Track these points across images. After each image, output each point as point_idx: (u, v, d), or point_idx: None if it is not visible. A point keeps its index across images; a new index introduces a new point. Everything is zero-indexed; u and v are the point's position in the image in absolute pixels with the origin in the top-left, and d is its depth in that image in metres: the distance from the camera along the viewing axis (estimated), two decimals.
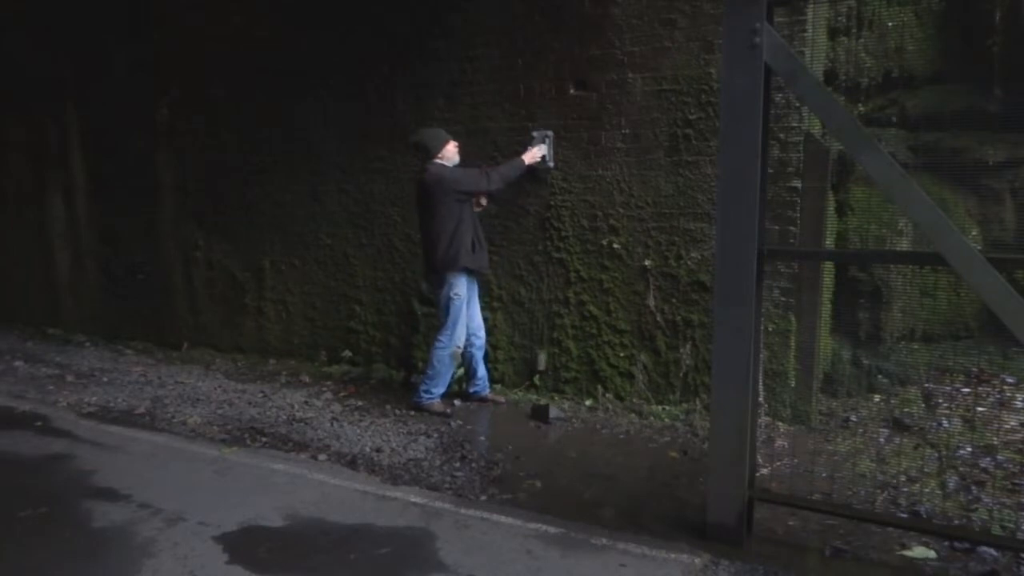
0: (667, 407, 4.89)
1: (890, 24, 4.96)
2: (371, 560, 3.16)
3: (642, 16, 4.72)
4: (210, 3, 6.54)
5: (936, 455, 3.96)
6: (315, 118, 6.14)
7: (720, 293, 3.04)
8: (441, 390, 5.09)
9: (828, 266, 4.73)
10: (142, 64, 7.03)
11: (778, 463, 4.03)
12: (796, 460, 4.02)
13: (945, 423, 4.31)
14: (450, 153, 4.98)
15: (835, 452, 4.08)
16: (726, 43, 2.94)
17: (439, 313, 5.09)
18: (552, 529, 3.37)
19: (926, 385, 4.78)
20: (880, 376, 4.90)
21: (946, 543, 3.13)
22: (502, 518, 3.49)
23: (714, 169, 4.53)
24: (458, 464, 4.18)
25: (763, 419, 4.45)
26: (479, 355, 5.21)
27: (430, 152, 4.94)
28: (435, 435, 4.63)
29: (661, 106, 4.74)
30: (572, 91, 5.04)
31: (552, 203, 5.17)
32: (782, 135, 4.38)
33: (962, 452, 3.96)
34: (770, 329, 4.53)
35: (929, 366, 4.95)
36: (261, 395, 5.60)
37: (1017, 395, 4.56)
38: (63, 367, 6.66)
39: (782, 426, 4.52)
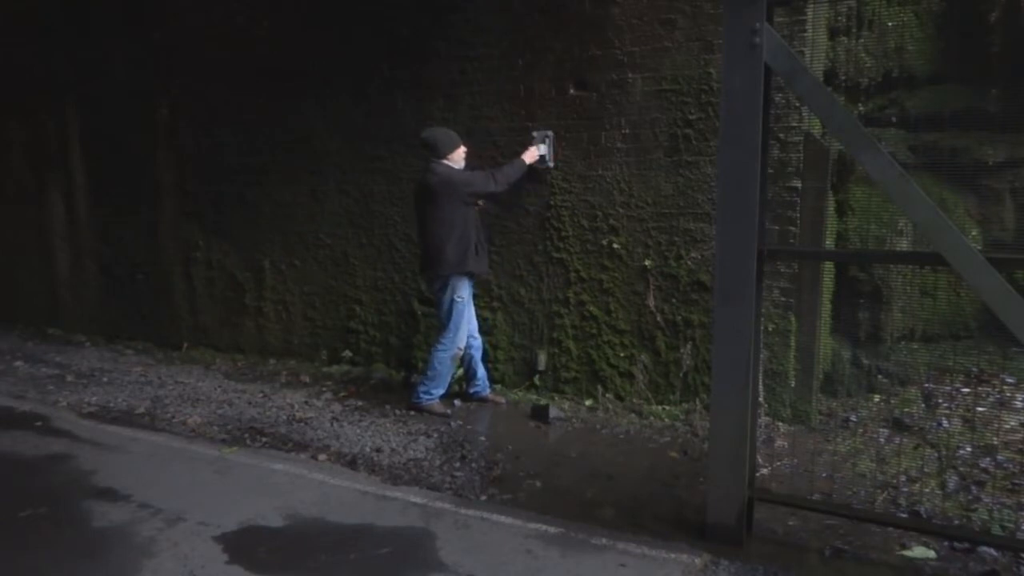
0: (667, 407, 4.89)
1: (890, 24, 4.96)
2: (371, 560, 3.16)
3: (642, 16, 4.73)
4: (211, 3, 6.55)
5: (936, 455, 3.96)
6: (315, 118, 6.14)
7: (720, 293, 3.04)
8: (441, 391, 5.08)
9: (828, 266, 4.73)
10: (142, 64, 7.03)
11: (778, 463, 4.03)
12: (796, 460, 4.02)
13: (945, 423, 4.31)
14: (458, 157, 4.95)
15: (835, 452, 4.08)
16: (726, 43, 2.93)
17: (440, 315, 5.07)
18: (552, 529, 3.37)
19: (926, 385, 4.78)
20: (880, 376, 4.90)
21: (946, 543, 3.13)
22: (502, 518, 3.49)
23: (714, 169, 4.53)
24: (458, 464, 4.18)
25: (763, 419, 4.45)
26: (477, 356, 5.21)
27: (439, 152, 4.89)
28: (435, 435, 4.63)
29: (661, 106, 4.74)
30: (572, 91, 5.04)
31: (552, 203, 5.18)
32: (782, 135, 4.38)
33: (962, 452, 3.96)
34: (770, 329, 4.53)
35: (929, 366, 4.95)
36: (261, 395, 5.60)
37: (1017, 395, 4.56)
38: (63, 367, 6.66)
39: (782, 426, 4.52)
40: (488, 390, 5.28)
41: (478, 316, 5.27)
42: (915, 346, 5.08)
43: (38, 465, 4.33)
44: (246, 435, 4.72)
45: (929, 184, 4.72)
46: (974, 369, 4.86)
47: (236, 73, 6.49)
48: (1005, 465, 3.79)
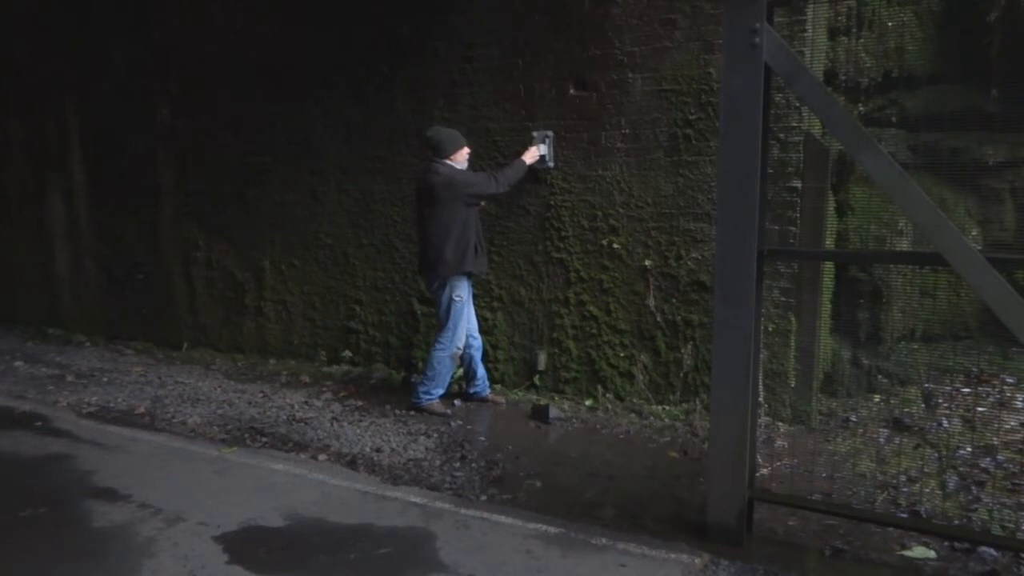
0: (667, 407, 4.89)
1: (890, 24, 4.96)
2: (371, 560, 3.16)
3: (642, 16, 4.73)
4: (210, 3, 6.55)
5: (936, 455, 3.96)
6: (315, 118, 6.14)
7: (720, 293, 3.04)
8: (441, 391, 5.08)
9: (828, 266, 4.73)
10: (142, 64, 7.03)
11: (778, 463, 4.03)
12: (796, 460, 4.02)
13: (945, 423, 4.31)
14: (461, 157, 4.94)
15: (835, 452, 4.08)
16: (726, 43, 2.93)
17: (439, 315, 5.07)
18: (552, 529, 3.37)
19: (926, 385, 4.78)
20: (880, 376, 4.90)
21: (946, 543, 3.13)
22: (502, 518, 3.49)
23: (714, 169, 4.53)
24: (458, 464, 4.18)
25: (763, 419, 4.45)
26: (477, 356, 5.21)
27: (443, 152, 4.87)
28: (435, 435, 4.63)
29: (661, 106, 4.74)
30: (572, 91, 5.04)
31: (552, 203, 5.18)
32: (782, 135, 4.38)
33: (962, 452, 3.96)
34: (770, 329, 4.53)
35: (929, 366, 4.95)
36: (261, 395, 5.60)
37: (1017, 395, 4.56)
38: (63, 367, 6.66)
39: (782, 426, 4.52)
40: (488, 390, 5.28)
41: (478, 316, 5.28)
42: (915, 346, 5.08)
43: (38, 465, 4.32)
44: (246, 435, 4.72)
45: (929, 184, 4.72)
46: (974, 369, 4.86)
47: (236, 73, 6.49)
48: (1005, 465, 3.79)
